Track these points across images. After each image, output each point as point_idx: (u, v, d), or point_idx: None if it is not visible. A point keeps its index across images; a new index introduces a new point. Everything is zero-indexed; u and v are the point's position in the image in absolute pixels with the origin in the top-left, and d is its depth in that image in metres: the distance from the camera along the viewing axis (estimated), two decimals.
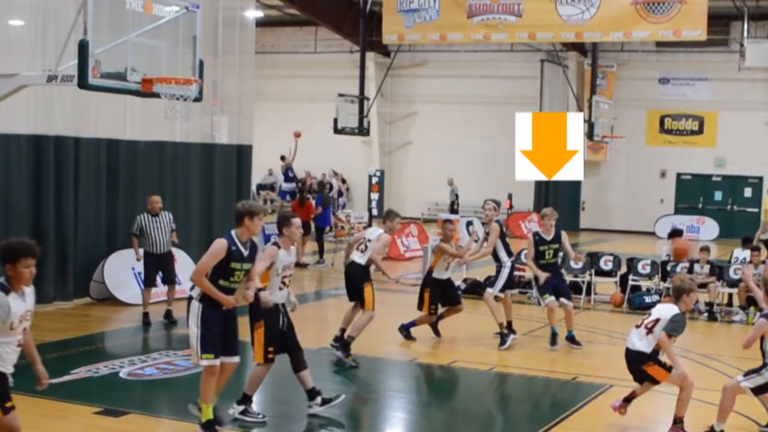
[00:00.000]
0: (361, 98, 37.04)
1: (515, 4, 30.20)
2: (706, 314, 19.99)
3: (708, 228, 41.23)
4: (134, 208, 18.13)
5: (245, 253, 10.58)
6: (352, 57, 42.39)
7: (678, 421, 11.46)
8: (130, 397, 11.84)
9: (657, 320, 11.34)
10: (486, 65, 43.60)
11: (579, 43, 39.41)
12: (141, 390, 12.66)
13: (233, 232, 10.53)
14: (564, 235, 16.95)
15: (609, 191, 43.71)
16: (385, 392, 13.72)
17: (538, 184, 42.63)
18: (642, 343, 11.42)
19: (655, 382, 11.60)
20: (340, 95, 35.73)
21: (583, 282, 21.26)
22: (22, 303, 8.38)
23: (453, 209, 40.07)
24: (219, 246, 10.36)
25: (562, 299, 16.40)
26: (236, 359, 10.87)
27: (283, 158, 37.87)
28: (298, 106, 44.95)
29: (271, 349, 11.31)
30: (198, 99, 14.58)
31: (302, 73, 45.45)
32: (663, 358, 11.38)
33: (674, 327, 11.24)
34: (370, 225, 27.86)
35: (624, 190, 43.23)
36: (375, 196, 37.82)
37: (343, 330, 15.28)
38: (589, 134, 35.80)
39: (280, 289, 11.41)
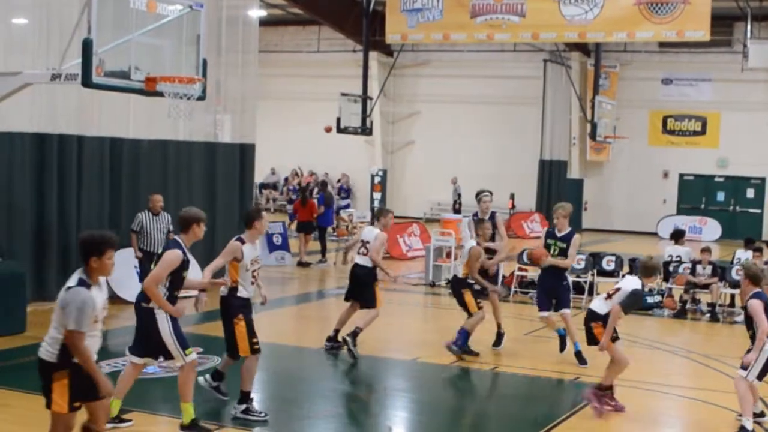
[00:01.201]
0: (364, 98, 37.01)
1: (518, 4, 30.17)
2: (708, 315, 20.01)
3: (710, 229, 41.22)
4: (137, 206, 18.14)
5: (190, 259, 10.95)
6: (355, 56, 42.40)
7: (605, 389, 12.30)
8: (132, 395, 11.79)
9: (618, 289, 12.17)
10: (489, 65, 43.60)
11: (582, 44, 39.38)
12: (143, 388, 12.65)
13: (180, 240, 10.79)
14: (575, 237, 15.49)
15: (611, 191, 43.74)
16: (387, 392, 13.73)
17: (541, 184, 42.67)
18: (598, 304, 12.36)
19: (595, 342, 12.33)
20: (343, 94, 35.70)
21: (585, 282, 21.25)
22: (101, 294, 8.45)
23: (456, 209, 40.07)
24: (174, 256, 10.57)
25: (562, 310, 15.43)
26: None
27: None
28: (301, 105, 45.01)
29: (255, 339, 11.41)
30: (201, 98, 14.59)
31: (305, 72, 45.46)
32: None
33: (630, 302, 12.01)
34: (372, 224, 27.85)
35: (626, 191, 43.23)
36: (377, 195, 37.87)
37: (337, 331, 15.33)
38: (592, 134, 35.85)
39: (252, 283, 11.55)
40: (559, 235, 15.40)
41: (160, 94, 13.87)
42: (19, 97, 15.35)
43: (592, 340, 12.41)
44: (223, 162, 22.35)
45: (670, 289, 20.95)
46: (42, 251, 18.12)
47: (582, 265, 21.32)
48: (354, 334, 14.92)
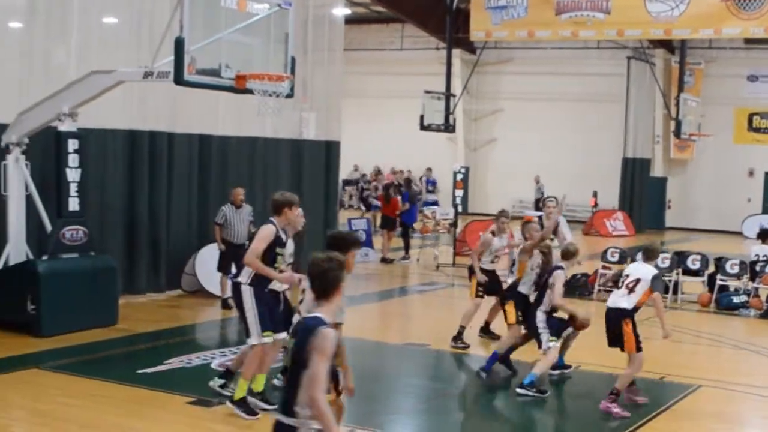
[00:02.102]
0: (447, 95, 37.07)
1: (604, 1, 30.05)
2: None
3: None
4: (225, 202, 18.38)
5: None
6: (438, 54, 42.39)
7: (614, 393, 11.97)
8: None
9: (637, 280, 11.98)
10: (572, 62, 43.33)
11: (666, 40, 39.02)
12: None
13: (274, 220, 11.03)
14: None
15: (695, 190, 43.21)
16: (476, 388, 13.70)
17: (623, 182, 42.34)
18: (624, 300, 12.01)
19: (621, 346, 12.06)
20: (426, 92, 35.78)
21: (670, 281, 21.10)
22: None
23: (538, 207, 39.92)
24: (268, 230, 10.87)
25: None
26: (284, 335, 11.18)
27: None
28: (384, 102, 45.13)
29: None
30: (290, 95, 14.70)
31: (388, 69, 45.55)
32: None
33: (658, 284, 12.14)
34: (455, 222, 27.92)
35: (711, 189, 42.64)
36: (459, 192, 37.69)
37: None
38: (676, 132, 35.48)
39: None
40: None
41: (250, 92, 13.98)
42: (111, 95, 15.61)
43: (618, 339, 12.08)
44: (309, 159, 22.58)
45: (757, 289, 20.73)
46: (133, 245, 18.48)
47: (667, 263, 21.16)
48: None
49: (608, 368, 13.51)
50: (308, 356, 5.97)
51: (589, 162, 43.33)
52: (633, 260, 16.32)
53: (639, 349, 11.94)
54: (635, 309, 12.01)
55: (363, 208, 36.78)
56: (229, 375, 11.93)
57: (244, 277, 10.96)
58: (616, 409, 11.78)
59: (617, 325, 12.02)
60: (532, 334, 13.17)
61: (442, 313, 19.19)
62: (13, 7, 16.96)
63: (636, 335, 11.95)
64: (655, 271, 12.06)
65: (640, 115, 42.34)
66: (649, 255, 12.30)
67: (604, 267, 21.90)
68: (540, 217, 17.37)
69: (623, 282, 12.17)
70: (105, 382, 12.56)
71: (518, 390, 12.68)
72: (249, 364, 11.12)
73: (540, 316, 12.89)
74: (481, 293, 15.65)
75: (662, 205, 43.05)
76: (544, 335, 12.81)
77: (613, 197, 42.30)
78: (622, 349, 12.16)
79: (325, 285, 6.30)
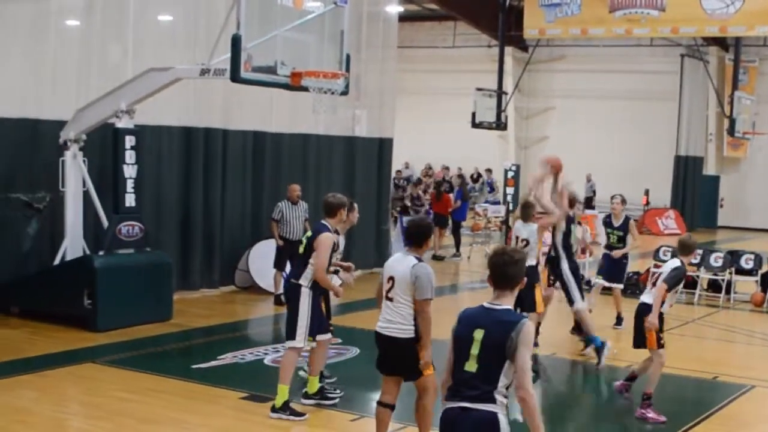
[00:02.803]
0: (499, 93, 37.03)
1: None
2: None
3: None
4: (278, 198, 18.47)
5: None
6: (490, 51, 42.32)
7: (646, 398, 11.76)
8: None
9: (660, 274, 11.82)
10: (624, 59, 43.08)
11: (720, 38, 38.70)
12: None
13: (327, 223, 11.10)
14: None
15: (749, 188, 42.84)
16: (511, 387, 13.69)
17: (676, 180, 42.05)
18: (647, 296, 11.94)
19: (643, 343, 11.93)
20: (478, 89, 35.73)
21: (723, 280, 20.95)
22: None
23: (590, 205, 39.75)
24: (328, 239, 10.90)
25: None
26: (329, 335, 11.67)
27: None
28: (436, 99, 45.08)
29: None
30: (345, 92, 14.74)
31: (440, 67, 45.52)
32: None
33: (673, 276, 11.60)
34: (507, 219, 27.86)
35: (764, 188, 42.21)
36: (510, 190, 37.69)
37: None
38: (730, 130, 35.27)
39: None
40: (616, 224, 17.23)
41: (305, 89, 14.03)
42: (167, 92, 15.75)
43: (642, 339, 11.90)
44: (362, 155, 22.64)
45: None
46: (187, 241, 18.62)
47: (719, 263, 21.02)
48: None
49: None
50: (513, 348, 6.18)
51: (642, 160, 43.07)
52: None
53: (660, 345, 11.77)
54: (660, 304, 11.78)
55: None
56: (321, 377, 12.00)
57: (305, 281, 10.96)
58: (651, 415, 11.61)
59: (640, 321, 11.88)
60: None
61: None
62: (71, 7, 17.14)
63: (658, 335, 11.77)
64: (677, 264, 11.76)
65: (693, 113, 42.06)
66: (683, 249, 12.04)
67: (656, 266, 21.75)
68: (609, 216, 17.49)
69: (652, 280, 12.12)
70: (160, 376, 12.69)
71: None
72: (286, 368, 11.12)
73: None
74: (551, 282, 15.85)
75: (715, 204, 42.71)
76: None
77: (665, 195, 42.02)
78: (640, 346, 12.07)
79: (513, 276, 6.50)
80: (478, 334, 6.30)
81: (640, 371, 12.30)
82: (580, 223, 17.31)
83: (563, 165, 14.98)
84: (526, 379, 6.20)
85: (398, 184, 40.52)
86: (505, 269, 6.47)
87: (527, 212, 14.78)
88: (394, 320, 9.23)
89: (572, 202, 15.46)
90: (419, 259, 9.21)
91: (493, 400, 6.25)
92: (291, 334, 11.03)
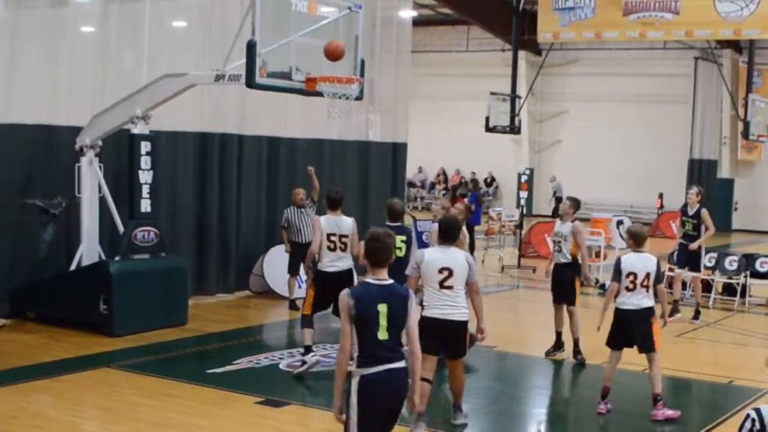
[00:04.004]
0: (513, 96, 37.01)
1: (672, 1, 29.81)
2: None
3: None
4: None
5: None
6: (503, 55, 42.37)
7: (659, 399, 11.71)
8: (290, 388, 12.11)
9: (648, 274, 11.68)
10: (638, 63, 43.07)
11: (734, 41, 38.63)
12: (300, 381, 12.94)
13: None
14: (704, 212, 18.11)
15: (763, 191, 42.72)
16: (532, 390, 13.71)
17: (690, 184, 41.90)
18: (646, 301, 11.73)
19: (639, 345, 11.87)
20: (492, 93, 35.74)
21: (738, 284, 20.89)
22: None
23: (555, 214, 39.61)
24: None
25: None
26: None
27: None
28: (450, 104, 45.15)
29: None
30: (359, 98, 14.76)
31: (454, 71, 45.55)
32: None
33: (660, 274, 11.87)
34: (521, 223, 27.85)
35: None
36: (524, 194, 37.75)
37: (558, 333, 15.22)
38: (744, 133, 35.16)
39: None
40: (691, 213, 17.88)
41: (320, 94, 14.06)
42: (182, 98, 15.79)
43: (649, 341, 11.79)
44: (376, 160, 22.66)
45: None
46: (203, 247, 18.67)
47: (734, 266, 20.98)
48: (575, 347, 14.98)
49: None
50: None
51: (655, 163, 43.03)
52: None
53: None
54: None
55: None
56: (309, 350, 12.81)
57: None
58: (669, 412, 11.65)
59: (646, 325, 11.76)
60: None
61: (507, 315, 19.19)
62: (87, 13, 17.24)
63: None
64: (656, 259, 11.73)
65: (707, 116, 41.99)
66: (638, 241, 11.97)
67: (670, 269, 21.73)
68: (685, 206, 18.94)
69: (636, 283, 11.73)
70: (175, 381, 12.71)
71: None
72: None
73: None
74: None
75: (729, 207, 42.59)
76: None
77: (679, 199, 41.74)
78: (639, 348, 11.94)
79: (386, 259, 7.57)
80: (383, 308, 7.19)
81: (607, 379, 12.15)
82: None
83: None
84: (415, 340, 7.49)
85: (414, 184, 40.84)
86: (379, 253, 7.38)
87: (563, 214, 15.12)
88: (458, 305, 10.30)
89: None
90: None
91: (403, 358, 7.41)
92: None
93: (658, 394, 11.73)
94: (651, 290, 11.73)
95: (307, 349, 13.18)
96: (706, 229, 18.03)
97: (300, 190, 18.19)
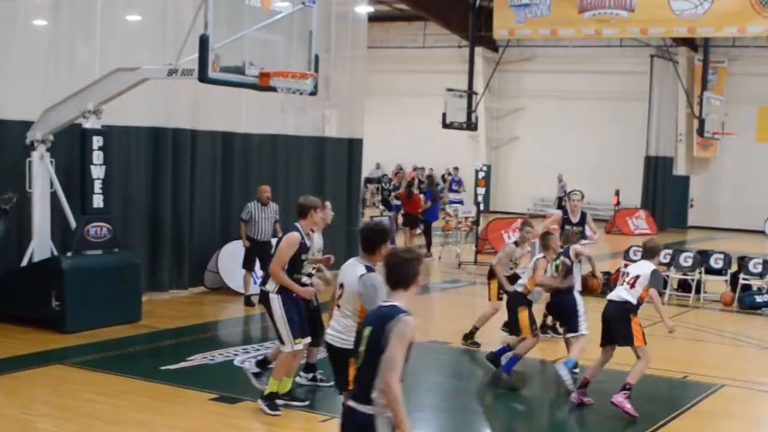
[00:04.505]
0: (470, 93, 37.08)
1: None
2: None
3: None
4: (248, 199, 18.40)
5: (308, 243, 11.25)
6: (460, 52, 42.41)
7: (628, 388, 11.74)
8: (244, 384, 12.04)
9: (637, 276, 11.87)
10: (594, 60, 43.31)
11: (689, 39, 38.89)
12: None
13: (299, 225, 11.12)
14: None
15: (718, 189, 43.06)
16: (488, 387, 13.60)
17: (646, 181, 42.24)
18: (628, 295, 11.88)
19: (620, 342, 11.94)
20: (449, 90, 35.77)
21: (693, 280, 21.03)
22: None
23: (560, 205, 39.82)
24: (293, 238, 10.93)
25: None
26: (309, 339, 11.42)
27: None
28: (406, 100, 45.16)
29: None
30: (314, 93, 14.76)
31: (410, 67, 45.57)
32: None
33: (658, 278, 11.96)
34: (478, 219, 27.89)
35: (733, 188, 42.47)
36: (481, 190, 37.80)
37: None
38: (700, 131, 35.45)
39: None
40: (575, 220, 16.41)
41: (273, 89, 14.02)
42: (135, 92, 15.68)
43: (618, 334, 11.90)
44: (331, 156, 22.59)
45: None
46: (156, 242, 18.54)
47: (689, 262, 21.10)
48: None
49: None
50: (386, 341, 6.12)
51: (612, 160, 43.25)
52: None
53: (645, 341, 11.86)
54: (639, 304, 11.89)
55: (382, 208, 36.79)
56: (264, 364, 11.96)
57: (272, 285, 11.02)
58: (628, 406, 11.66)
59: (622, 318, 11.86)
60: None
61: (464, 311, 19.17)
62: (38, 5, 17.07)
63: (641, 329, 11.88)
64: (653, 267, 11.93)
65: (662, 114, 42.24)
66: (650, 253, 12.17)
67: (626, 265, 21.80)
68: (565, 210, 17.22)
69: (624, 279, 12.10)
70: (128, 378, 12.62)
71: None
72: (280, 366, 11.21)
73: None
74: (501, 296, 15.32)
75: (685, 204, 42.91)
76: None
77: (635, 196, 42.21)
78: (621, 344, 12.04)
79: (405, 276, 6.45)
80: (367, 331, 6.32)
81: (592, 375, 12.25)
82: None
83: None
84: (389, 372, 6.07)
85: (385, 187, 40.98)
86: (395, 269, 6.48)
87: (546, 243, 13.87)
88: (342, 330, 8.80)
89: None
90: (370, 268, 8.68)
91: (369, 402, 6.20)
92: (280, 341, 11.15)
93: (628, 383, 11.77)
94: (635, 289, 11.85)
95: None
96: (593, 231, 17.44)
97: (266, 187, 18.10)
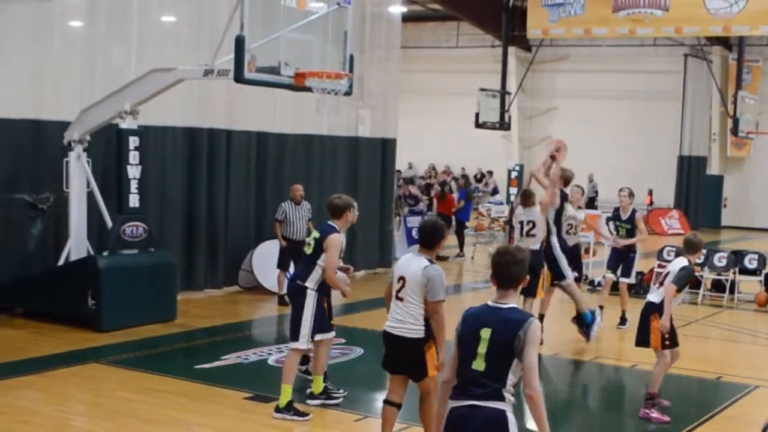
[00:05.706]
0: (503, 93, 37.02)
1: None
2: None
3: None
4: (282, 199, 18.46)
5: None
6: (493, 51, 42.37)
7: (649, 398, 11.66)
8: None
9: (668, 273, 11.69)
10: (628, 59, 43.12)
11: (724, 38, 38.70)
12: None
13: (335, 225, 11.09)
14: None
15: (752, 188, 42.83)
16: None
17: (679, 180, 42.04)
18: (653, 295, 11.85)
19: (645, 343, 11.85)
20: (482, 90, 35.73)
21: (727, 280, 20.94)
22: None
23: (593, 205, 39.71)
24: (338, 239, 10.95)
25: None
26: (333, 333, 11.61)
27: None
28: (440, 100, 45.12)
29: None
30: (348, 93, 14.78)
31: (444, 67, 45.54)
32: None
33: (682, 276, 11.50)
34: (510, 219, 27.84)
35: None
36: (514, 190, 37.83)
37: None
38: (734, 130, 35.26)
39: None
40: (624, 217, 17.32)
41: (308, 90, 14.06)
42: (171, 92, 15.76)
43: (645, 337, 11.80)
44: (365, 156, 22.67)
45: None
46: (191, 242, 18.64)
47: (723, 263, 21.00)
48: None
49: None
50: (520, 346, 6.25)
51: (645, 160, 43.07)
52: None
53: (665, 346, 11.66)
54: (662, 303, 11.59)
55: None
56: (305, 361, 12.03)
57: (312, 283, 10.99)
58: (654, 414, 11.53)
59: (642, 319, 11.83)
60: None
61: None
62: (75, 7, 17.16)
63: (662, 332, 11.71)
64: (684, 263, 11.62)
65: (696, 113, 42.03)
66: (689, 248, 11.96)
67: (659, 266, 21.72)
68: (617, 210, 17.83)
69: (658, 279, 12.09)
70: (163, 376, 12.71)
71: None
72: (289, 369, 11.14)
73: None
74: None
75: (718, 204, 42.70)
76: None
77: (668, 195, 42.04)
78: (637, 345, 12.03)
79: (517, 275, 6.55)
80: (485, 333, 6.34)
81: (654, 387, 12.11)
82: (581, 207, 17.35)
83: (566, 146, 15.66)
84: (533, 377, 6.26)
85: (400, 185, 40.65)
86: (508, 269, 6.51)
87: (527, 199, 15.06)
88: (404, 320, 9.20)
89: (567, 180, 16.24)
90: (431, 261, 9.15)
91: (501, 398, 6.30)
92: (294, 336, 11.05)
93: (648, 393, 11.69)
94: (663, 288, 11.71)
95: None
96: (641, 232, 17.52)
97: (299, 186, 18.16)
